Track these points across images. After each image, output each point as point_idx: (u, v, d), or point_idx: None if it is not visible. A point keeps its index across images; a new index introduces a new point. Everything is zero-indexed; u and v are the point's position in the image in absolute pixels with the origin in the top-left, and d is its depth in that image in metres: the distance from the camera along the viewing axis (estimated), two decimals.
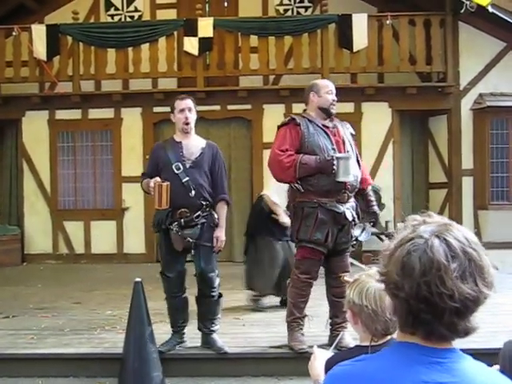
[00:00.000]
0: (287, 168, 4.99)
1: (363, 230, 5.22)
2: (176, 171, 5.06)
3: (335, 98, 5.21)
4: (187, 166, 5.11)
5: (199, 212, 5.09)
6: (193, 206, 5.06)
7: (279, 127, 5.25)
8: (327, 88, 5.22)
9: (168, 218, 5.08)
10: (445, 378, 1.29)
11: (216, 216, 5.21)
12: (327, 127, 5.14)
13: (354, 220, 5.13)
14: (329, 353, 2.28)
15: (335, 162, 4.90)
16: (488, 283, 1.31)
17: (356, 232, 5.17)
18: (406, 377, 1.29)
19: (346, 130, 5.27)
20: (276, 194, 6.60)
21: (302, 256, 5.19)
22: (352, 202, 5.17)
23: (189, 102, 5.23)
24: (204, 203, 5.11)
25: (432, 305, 1.28)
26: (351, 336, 4.43)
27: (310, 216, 5.06)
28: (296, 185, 5.09)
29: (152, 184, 4.94)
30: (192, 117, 5.23)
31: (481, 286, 1.30)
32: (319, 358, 2.21)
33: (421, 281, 1.28)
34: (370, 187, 5.44)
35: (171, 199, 4.91)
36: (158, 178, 4.97)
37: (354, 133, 5.43)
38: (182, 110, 5.18)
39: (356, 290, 2.35)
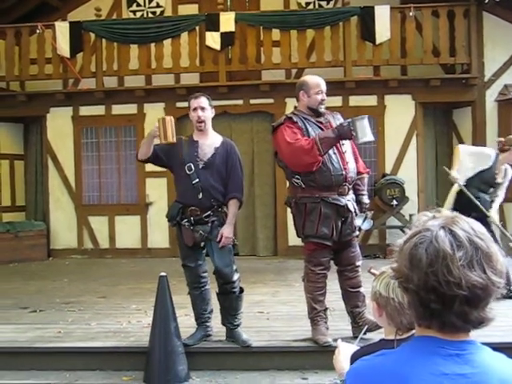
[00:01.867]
0: (310, 149, 4.90)
1: (365, 218, 5.31)
2: (188, 172, 5.11)
3: (324, 98, 5.19)
4: (200, 166, 5.14)
5: (209, 212, 5.13)
6: (203, 206, 5.12)
7: (275, 127, 5.24)
8: (317, 88, 5.17)
9: (179, 213, 5.16)
10: (464, 370, 1.30)
11: (226, 215, 5.23)
12: (321, 123, 5.19)
13: (355, 210, 5.22)
14: (353, 346, 2.28)
15: (351, 125, 4.90)
16: (497, 271, 1.32)
17: (358, 221, 5.24)
18: (425, 370, 1.30)
19: (337, 122, 5.21)
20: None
21: (310, 249, 5.23)
22: (352, 194, 5.25)
23: (201, 101, 5.21)
24: (214, 203, 5.14)
25: (440, 294, 1.30)
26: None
27: (313, 211, 5.11)
28: (297, 180, 5.13)
29: (156, 123, 4.94)
30: (205, 115, 5.20)
31: (490, 274, 1.30)
32: (343, 352, 2.21)
33: (428, 271, 1.30)
34: (364, 176, 5.44)
35: (177, 133, 4.97)
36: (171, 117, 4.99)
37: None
38: (195, 109, 5.20)
39: (383, 283, 2.34)
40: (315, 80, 5.27)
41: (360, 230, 5.34)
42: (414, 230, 1.38)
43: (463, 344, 1.34)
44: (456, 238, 1.31)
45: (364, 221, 5.30)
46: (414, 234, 1.37)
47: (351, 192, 5.24)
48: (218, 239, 5.14)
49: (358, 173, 5.32)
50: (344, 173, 5.08)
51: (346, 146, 5.20)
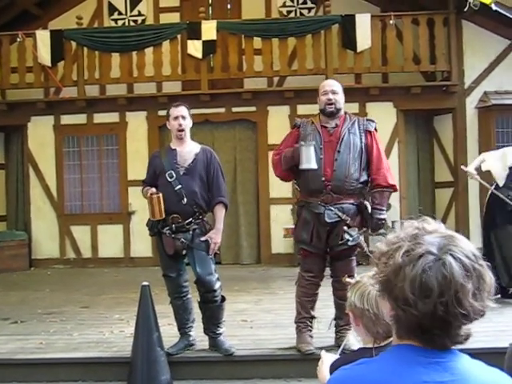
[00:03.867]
0: (276, 163, 5.25)
1: (357, 233, 5.02)
2: (169, 179, 5.13)
3: (330, 98, 5.13)
4: (181, 173, 5.17)
5: (191, 219, 5.14)
6: (185, 212, 5.12)
7: None
8: (323, 89, 5.22)
9: (160, 222, 5.17)
10: (444, 377, 1.30)
11: (207, 223, 5.26)
12: (325, 127, 5.15)
13: (342, 222, 4.97)
14: (336, 356, 2.28)
15: (298, 151, 4.99)
16: (491, 296, 1.34)
17: (347, 235, 4.98)
18: (406, 378, 1.30)
19: (355, 129, 5.14)
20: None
21: (302, 255, 5.29)
22: (344, 204, 5.00)
23: (182, 110, 5.28)
24: (196, 210, 5.16)
25: (446, 323, 1.29)
26: (356, 338, 4.42)
27: (299, 216, 5.24)
28: (296, 186, 5.32)
29: (148, 195, 5.09)
30: (186, 123, 5.26)
31: (487, 301, 1.32)
32: (327, 362, 2.21)
33: (438, 301, 1.27)
34: (380, 189, 5.08)
35: (165, 208, 5.05)
36: (153, 189, 5.10)
37: (371, 129, 5.19)
38: (176, 118, 5.24)
39: (357, 294, 2.34)
40: (324, 82, 5.42)
41: (346, 243, 5.00)
42: (412, 248, 1.32)
43: (443, 352, 1.34)
44: (465, 267, 1.29)
45: (355, 235, 5.00)
46: (417, 257, 1.30)
47: (344, 201, 5.00)
48: (208, 245, 5.15)
49: (377, 185, 5.06)
50: (324, 179, 4.99)
51: (344, 153, 5.02)
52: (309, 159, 4.95)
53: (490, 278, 1.33)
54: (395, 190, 5.23)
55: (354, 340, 4.57)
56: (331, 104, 5.13)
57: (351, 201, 5.06)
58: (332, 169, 5.01)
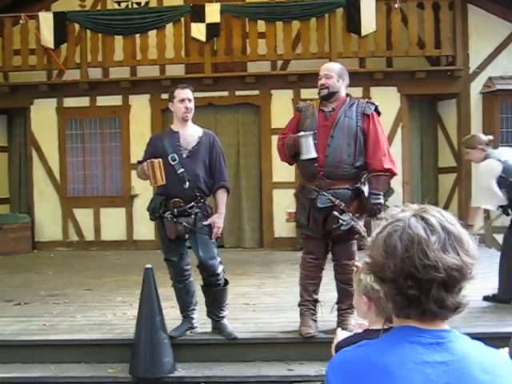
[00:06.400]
0: (280, 149, 5.35)
1: (350, 218, 4.95)
2: (172, 162, 5.09)
3: (323, 82, 5.12)
4: (184, 155, 5.14)
5: (193, 203, 5.11)
6: (187, 196, 5.09)
7: None
8: (319, 74, 5.21)
9: (162, 206, 5.14)
10: (445, 357, 1.32)
11: (209, 207, 5.25)
12: (323, 111, 5.13)
13: (336, 206, 4.94)
14: (351, 334, 2.30)
15: (297, 141, 5.03)
16: (470, 253, 1.36)
17: (340, 220, 4.93)
18: (407, 358, 1.32)
19: (353, 112, 5.07)
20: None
21: (304, 238, 5.38)
22: (338, 189, 4.97)
23: (188, 92, 5.24)
24: (198, 194, 5.13)
25: (418, 279, 1.32)
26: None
27: (298, 200, 5.33)
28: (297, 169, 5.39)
29: (145, 164, 5.03)
30: (191, 106, 5.24)
31: (462, 256, 1.34)
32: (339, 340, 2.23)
33: (404, 257, 1.33)
34: (376, 173, 4.99)
35: (166, 176, 4.97)
36: (159, 159, 5.00)
37: (369, 113, 5.07)
38: (183, 100, 5.19)
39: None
40: (321, 67, 5.33)
41: (340, 228, 4.95)
42: (386, 222, 1.41)
43: (442, 332, 1.37)
44: (428, 223, 1.35)
45: (349, 220, 4.93)
46: (387, 225, 1.40)
47: (339, 186, 4.97)
48: (211, 229, 5.14)
49: (372, 170, 4.99)
50: (316, 165, 4.98)
51: (337, 138, 4.98)
52: (309, 149, 4.99)
53: (465, 235, 1.38)
54: (393, 174, 5.11)
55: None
56: (324, 88, 5.12)
57: (346, 186, 5.01)
58: (324, 154, 4.98)
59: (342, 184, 5.00)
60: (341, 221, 4.92)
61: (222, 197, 5.26)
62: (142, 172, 5.18)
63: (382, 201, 5.03)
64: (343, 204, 4.96)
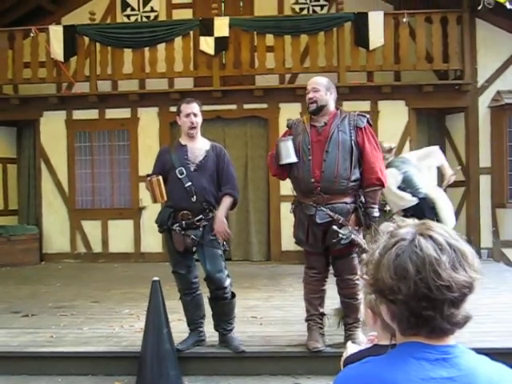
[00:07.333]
0: (270, 164, 5.29)
1: (350, 232, 4.91)
2: (179, 176, 5.11)
3: (311, 96, 5.13)
4: (191, 169, 5.15)
5: (201, 215, 5.11)
6: (195, 209, 5.10)
7: None
8: (307, 89, 5.21)
9: (170, 218, 5.15)
10: (452, 373, 1.31)
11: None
12: (314, 127, 5.11)
13: (335, 221, 4.91)
14: (361, 348, 2.29)
15: (276, 147, 5.04)
16: (475, 268, 1.35)
17: (339, 234, 4.89)
18: (414, 375, 1.31)
19: (345, 125, 5.04)
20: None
21: (304, 253, 5.33)
22: (336, 204, 4.94)
23: (194, 106, 5.24)
24: (206, 207, 5.14)
25: (432, 300, 1.31)
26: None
27: (295, 216, 5.24)
28: (291, 186, 5.28)
29: (147, 179, 5.11)
30: (198, 121, 5.25)
31: (470, 272, 1.33)
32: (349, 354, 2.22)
33: (417, 279, 1.30)
34: (373, 188, 4.98)
35: (167, 192, 5.04)
36: (159, 177, 5.06)
37: (361, 126, 5.02)
38: (188, 115, 5.21)
39: None
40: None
41: (340, 242, 4.90)
42: (388, 242, 1.38)
43: (448, 348, 1.36)
44: (437, 242, 1.33)
45: (348, 234, 4.88)
46: (391, 245, 1.36)
47: (336, 201, 4.94)
48: (218, 242, 5.16)
49: (371, 185, 4.96)
50: (313, 180, 4.95)
51: (333, 153, 4.95)
52: (288, 154, 4.98)
53: (469, 250, 1.36)
54: (384, 187, 5.13)
55: (363, 337, 4.58)
56: (312, 103, 5.12)
57: (344, 200, 4.99)
58: (321, 170, 4.95)
59: (339, 198, 4.98)
60: (340, 235, 4.88)
61: (224, 201, 5.19)
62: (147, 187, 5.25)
63: (378, 213, 5.10)
64: (342, 218, 4.94)
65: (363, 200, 5.02)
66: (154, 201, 5.12)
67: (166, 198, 5.07)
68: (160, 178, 5.03)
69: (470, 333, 4.30)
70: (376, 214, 5.02)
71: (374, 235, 4.88)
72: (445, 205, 6.17)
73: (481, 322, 5.03)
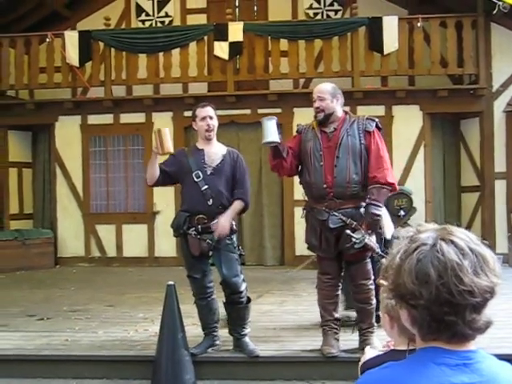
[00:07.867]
0: (269, 157, 5.22)
1: (363, 236, 4.85)
2: (196, 179, 5.11)
3: (317, 105, 5.06)
4: (208, 172, 5.15)
5: (216, 220, 5.10)
6: (211, 213, 5.10)
7: None
8: (313, 97, 5.16)
9: (186, 223, 5.14)
10: (473, 379, 1.30)
11: (234, 223, 5.22)
12: (325, 132, 5.08)
13: (347, 226, 4.88)
14: (379, 353, 2.28)
15: (262, 125, 4.95)
16: (496, 273, 1.34)
17: (352, 239, 4.83)
18: (435, 381, 1.29)
19: (354, 129, 5.03)
20: None
21: (317, 258, 5.31)
22: (348, 208, 4.93)
23: (209, 110, 5.26)
24: (222, 211, 5.13)
25: (454, 305, 1.30)
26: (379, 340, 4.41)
27: (307, 221, 5.20)
28: (303, 191, 5.24)
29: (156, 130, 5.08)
30: (214, 123, 5.25)
31: (491, 277, 1.32)
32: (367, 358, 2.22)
33: (438, 284, 1.29)
34: (381, 186, 4.90)
35: (185, 143, 4.98)
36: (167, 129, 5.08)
37: (370, 130, 4.99)
38: (204, 118, 5.22)
39: None
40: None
41: (353, 246, 4.85)
42: (408, 246, 1.37)
43: (469, 353, 1.34)
44: (458, 247, 1.32)
45: (361, 238, 4.83)
46: (412, 250, 1.35)
47: (349, 206, 4.94)
48: (234, 247, 5.17)
49: (376, 182, 4.90)
50: (325, 186, 4.94)
51: (343, 158, 4.94)
52: (271, 133, 4.88)
53: (490, 255, 1.35)
54: (394, 190, 5.11)
55: (378, 343, 4.56)
56: (319, 112, 5.07)
57: (356, 204, 4.99)
58: (333, 176, 4.94)
59: (352, 203, 4.97)
60: (353, 239, 4.84)
61: (234, 205, 5.18)
62: (152, 154, 5.21)
63: (381, 212, 4.97)
64: (354, 223, 4.91)
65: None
66: (162, 151, 4.98)
67: (172, 150, 5.05)
68: (167, 128, 5.06)
69: (489, 339, 4.28)
70: (378, 211, 4.90)
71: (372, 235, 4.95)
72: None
73: (499, 327, 4.99)
